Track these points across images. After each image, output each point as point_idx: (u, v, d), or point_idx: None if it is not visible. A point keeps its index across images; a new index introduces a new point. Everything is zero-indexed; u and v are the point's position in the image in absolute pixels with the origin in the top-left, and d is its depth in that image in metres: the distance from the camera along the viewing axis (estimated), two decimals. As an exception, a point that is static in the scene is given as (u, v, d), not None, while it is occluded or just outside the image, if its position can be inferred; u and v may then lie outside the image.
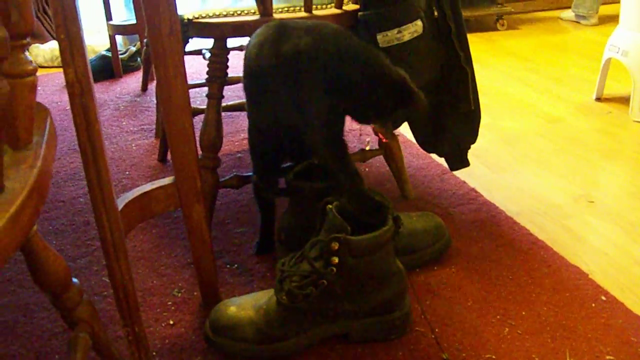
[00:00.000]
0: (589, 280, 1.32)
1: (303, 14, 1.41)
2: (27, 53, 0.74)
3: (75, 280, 0.94)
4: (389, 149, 1.66)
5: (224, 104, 1.64)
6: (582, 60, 3.22)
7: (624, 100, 2.49)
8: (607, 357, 1.10)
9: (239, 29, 1.35)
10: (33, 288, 1.35)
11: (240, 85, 1.34)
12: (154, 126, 2.34)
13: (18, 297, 1.33)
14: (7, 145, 0.75)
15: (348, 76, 1.17)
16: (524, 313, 1.23)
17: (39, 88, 2.74)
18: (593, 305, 1.24)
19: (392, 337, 1.16)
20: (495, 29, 4.11)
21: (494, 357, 1.11)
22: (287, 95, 1.22)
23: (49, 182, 0.77)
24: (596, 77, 2.55)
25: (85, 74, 0.88)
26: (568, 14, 4.25)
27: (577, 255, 1.42)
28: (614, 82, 2.69)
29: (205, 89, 1.44)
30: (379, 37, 1.44)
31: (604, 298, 1.26)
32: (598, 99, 2.55)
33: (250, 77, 1.27)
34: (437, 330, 1.19)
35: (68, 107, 2.62)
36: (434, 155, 1.95)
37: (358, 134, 2.11)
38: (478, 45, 3.63)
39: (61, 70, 3.14)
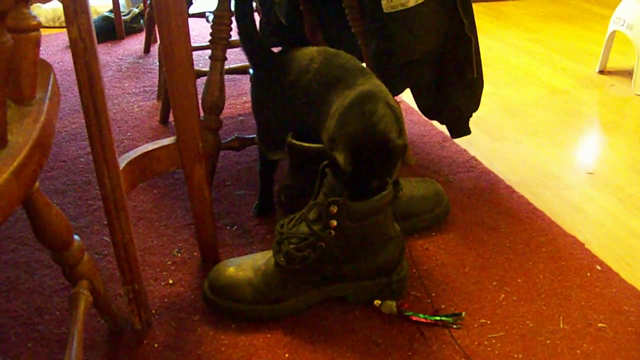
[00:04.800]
0: (585, 250, 1.34)
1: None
2: (30, 9, 0.74)
3: (76, 237, 0.95)
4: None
5: (226, 67, 1.64)
6: (586, 32, 3.20)
7: (627, 74, 2.48)
8: (599, 325, 1.12)
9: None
10: (35, 246, 1.36)
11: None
12: (156, 88, 2.33)
13: (20, 254, 1.34)
14: (11, 100, 0.75)
15: None
16: (520, 280, 1.24)
17: (40, 48, 2.72)
18: (588, 274, 1.26)
19: (389, 300, 1.18)
20: (500, -1, 4.08)
21: (489, 322, 1.13)
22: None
23: (52, 137, 0.78)
24: (600, 49, 2.54)
25: (88, 31, 0.87)
26: None
27: (574, 226, 1.43)
28: (618, 55, 2.67)
29: (208, 52, 1.43)
30: (384, 2, 1.43)
31: (599, 268, 1.28)
32: (601, 72, 2.53)
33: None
34: (433, 294, 1.20)
35: (70, 68, 2.61)
36: (435, 123, 1.95)
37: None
38: (482, 14, 3.60)
39: (63, 30, 3.11)
